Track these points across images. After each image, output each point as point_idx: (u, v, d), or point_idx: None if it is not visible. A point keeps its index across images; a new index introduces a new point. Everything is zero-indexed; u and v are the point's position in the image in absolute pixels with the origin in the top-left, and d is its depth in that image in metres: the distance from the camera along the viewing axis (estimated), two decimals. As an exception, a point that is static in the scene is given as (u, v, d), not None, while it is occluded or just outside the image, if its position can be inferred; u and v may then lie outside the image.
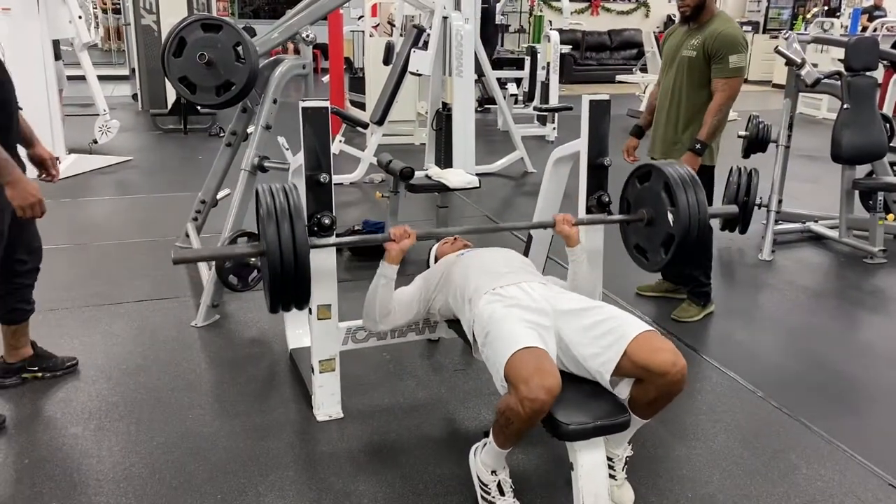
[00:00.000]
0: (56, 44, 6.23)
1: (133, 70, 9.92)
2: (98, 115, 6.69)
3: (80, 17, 6.30)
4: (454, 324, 2.55)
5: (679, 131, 3.46)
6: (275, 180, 2.32)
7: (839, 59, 5.68)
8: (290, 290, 2.15)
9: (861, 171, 4.77)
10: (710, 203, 3.53)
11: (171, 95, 8.00)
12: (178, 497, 2.22)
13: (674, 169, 2.47)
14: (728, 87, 3.29)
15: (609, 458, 2.14)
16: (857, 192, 4.77)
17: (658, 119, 3.60)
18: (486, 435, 2.15)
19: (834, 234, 4.82)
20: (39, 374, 2.85)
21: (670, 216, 2.43)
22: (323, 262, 2.48)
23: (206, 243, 4.01)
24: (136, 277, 3.96)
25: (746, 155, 4.88)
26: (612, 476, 2.16)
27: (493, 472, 2.14)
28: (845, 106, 4.39)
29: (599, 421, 1.96)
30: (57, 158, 5.76)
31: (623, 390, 2.06)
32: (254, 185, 3.61)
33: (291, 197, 2.16)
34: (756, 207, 4.54)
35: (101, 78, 7.10)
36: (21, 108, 2.55)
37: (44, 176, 2.70)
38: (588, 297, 2.47)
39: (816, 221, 5.03)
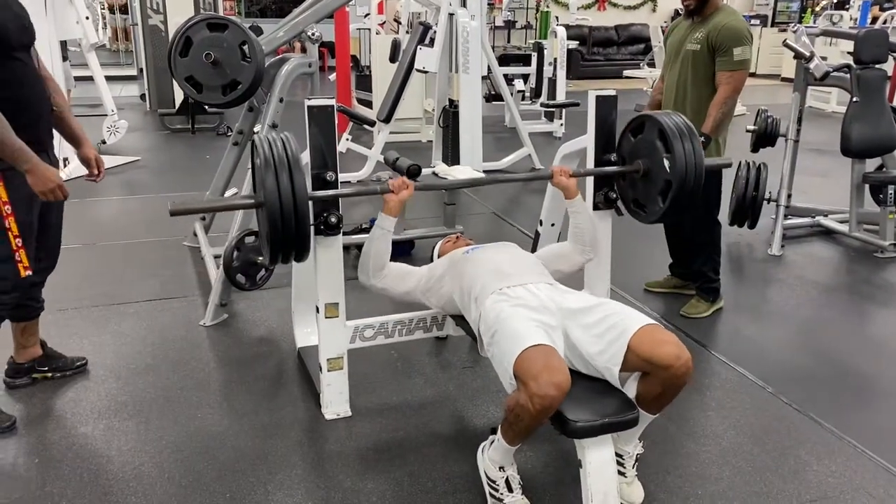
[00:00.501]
0: (63, 45, 6.25)
1: (141, 70, 9.96)
2: (106, 115, 6.73)
3: (87, 18, 6.33)
4: (461, 321, 2.55)
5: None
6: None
7: (848, 52, 5.62)
8: (291, 241, 2.14)
9: (871, 164, 4.74)
10: (719, 202, 3.53)
11: (179, 95, 8.03)
12: (188, 496, 2.23)
13: (668, 117, 2.47)
14: (732, 80, 3.27)
15: (619, 455, 2.14)
16: (867, 186, 4.74)
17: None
18: (494, 432, 2.15)
19: (844, 228, 4.79)
20: (49, 374, 2.86)
21: (666, 163, 2.42)
22: (330, 260, 2.48)
23: (214, 242, 4.02)
24: (144, 277, 3.97)
25: (755, 149, 4.86)
26: (621, 473, 2.15)
27: (502, 469, 2.14)
28: (855, 99, 4.35)
29: (608, 418, 1.95)
30: (66, 159, 5.81)
31: (632, 388, 2.05)
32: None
33: (289, 146, 2.15)
34: (765, 202, 4.53)
35: (109, 78, 7.14)
36: (54, 110, 2.60)
37: (87, 176, 2.77)
38: (592, 243, 2.53)
39: (826, 216, 5.00)
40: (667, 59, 3.58)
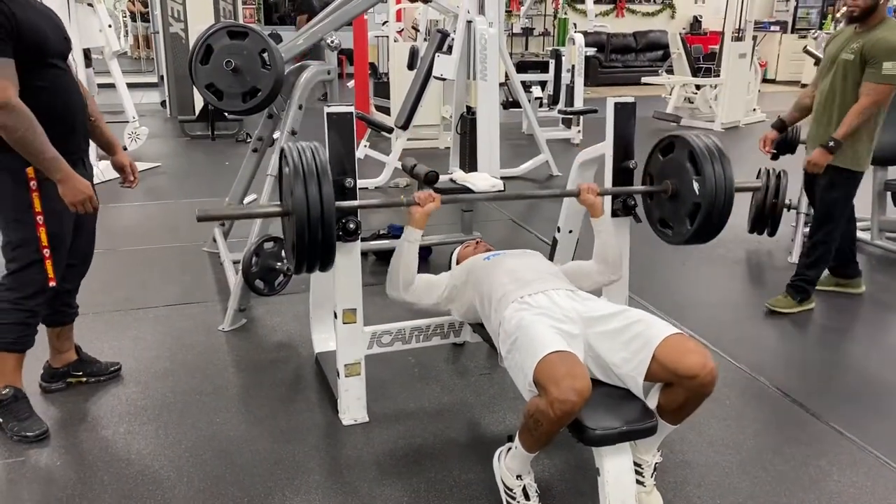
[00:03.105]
0: (87, 52, 6.34)
1: (161, 77, 10.06)
2: (127, 122, 6.79)
3: (109, 26, 6.41)
4: (479, 328, 2.55)
5: (832, 132, 3.47)
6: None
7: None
8: (317, 250, 2.14)
9: (893, 171, 4.68)
10: (844, 210, 3.61)
11: (199, 102, 8.11)
12: (206, 500, 2.24)
13: (699, 139, 2.46)
14: (875, 93, 3.31)
15: (637, 465, 2.12)
16: (889, 194, 4.68)
17: (814, 119, 3.65)
18: (511, 440, 2.14)
19: (865, 236, 4.73)
20: (84, 379, 2.89)
21: (696, 185, 2.40)
22: (348, 266, 2.49)
23: (233, 248, 4.05)
24: (164, 282, 4.01)
25: (775, 157, 4.81)
26: (640, 483, 2.14)
27: (519, 477, 2.13)
28: (876, 106, 4.30)
29: (626, 426, 1.94)
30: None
31: (653, 399, 2.04)
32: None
33: (318, 156, 2.15)
34: (785, 209, 4.49)
35: (131, 85, 7.22)
36: (93, 119, 2.66)
37: (123, 182, 2.82)
38: (615, 265, 2.50)
39: (847, 223, 4.94)
40: (822, 66, 3.64)
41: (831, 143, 3.38)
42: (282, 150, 2.21)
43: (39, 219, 2.38)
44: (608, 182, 2.71)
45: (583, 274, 2.56)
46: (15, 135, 2.22)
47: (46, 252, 2.42)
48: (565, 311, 2.16)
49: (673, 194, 2.53)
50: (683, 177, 2.47)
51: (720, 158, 2.41)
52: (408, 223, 2.43)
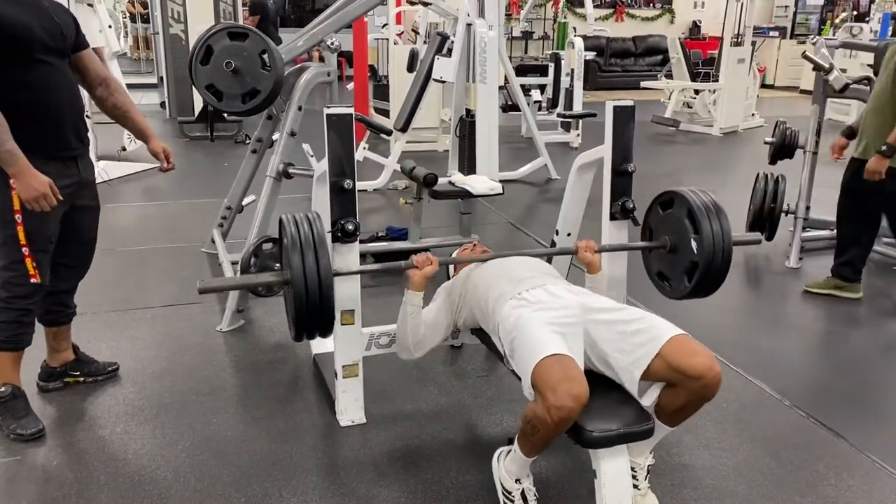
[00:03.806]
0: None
1: (161, 78, 10.05)
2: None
3: (109, 27, 6.42)
4: (477, 331, 2.55)
5: (885, 138, 3.54)
6: (299, 187, 2.33)
7: (868, 65, 5.59)
8: (315, 319, 2.16)
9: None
10: (877, 217, 3.74)
11: (199, 103, 8.10)
12: (203, 500, 2.24)
13: (697, 196, 2.46)
14: None
15: (631, 468, 2.12)
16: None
17: (866, 123, 3.74)
18: (511, 442, 2.15)
19: (864, 241, 4.74)
20: (81, 379, 2.89)
21: (694, 244, 2.41)
22: (347, 267, 2.49)
23: (232, 249, 4.05)
24: (162, 282, 4.01)
25: (773, 161, 4.84)
26: (635, 486, 2.13)
27: (517, 481, 2.13)
28: (874, 111, 4.32)
29: (623, 428, 1.94)
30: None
31: (648, 398, 2.04)
32: (278, 192, 3.64)
33: (315, 226, 2.17)
34: (783, 214, 4.50)
35: (130, 86, 7.23)
36: (122, 109, 2.70)
37: (160, 168, 2.87)
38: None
39: (845, 228, 4.95)
40: (880, 73, 3.75)
41: (884, 149, 3.47)
42: (280, 221, 2.23)
43: (18, 217, 2.36)
44: (607, 185, 2.72)
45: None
46: None
47: (25, 250, 2.40)
48: (565, 301, 2.16)
49: (671, 249, 2.54)
50: (682, 233, 2.48)
51: (717, 215, 2.41)
52: (407, 288, 2.43)
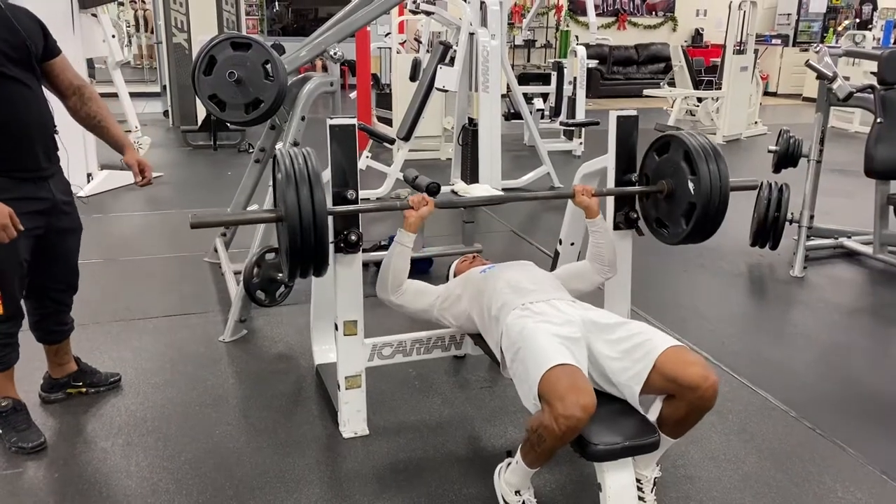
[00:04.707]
0: (89, 63, 6.35)
1: (164, 87, 10.08)
2: (130, 131, 6.80)
3: (113, 37, 6.43)
4: (480, 340, 2.54)
5: None
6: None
7: (872, 73, 5.58)
8: (310, 255, 2.14)
9: (895, 185, 4.68)
10: None
11: (202, 112, 8.12)
12: (205, 513, 2.23)
13: (694, 138, 2.46)
14: None
15: (637, 480, 2.11)
16: (891, 208, 4.68)
17: None
18: (510, 455, 2.13)
19: (868, 250, 4.73)
20: (83, 390, 2.88)
21: (691, 185, 2.41)
22: (349, 277, 2.49)
23: (235, 258, 4.05)
24: (164, 292, 4.00)
25: (777, 170, 4.82)
26: (640, 498, 2.12)
27: (518, 493, 2.11)
28: (879, 120, 4.31)
29: (628, 441, 1.93)
30: (90, 175, 5.86)
31: (653, 413, 2.03)
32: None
33: (310, 161, 2.16)
34: (787, 223, 4.49)
35: (134, 95, 7.22)
36: (97, 120, 2.59)
37: (135, 181, 2.69)
38: (611, 263, 2.51)
39: (849, 237, 4.94)
40: None
41: None
42: (274, 156, 2.21)
43: None
44: (610, 197, 2.71)
45: (578, 275, 2.58)
46: None
47: None
48: (568, 317, 2.15)
49: (669, 194, 2.54)
50: (679, 176, 2.48)
51: (715, 158, 2.41)
52: (402, 227, 2.43)
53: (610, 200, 2.71)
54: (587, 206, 2.52)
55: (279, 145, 3.74)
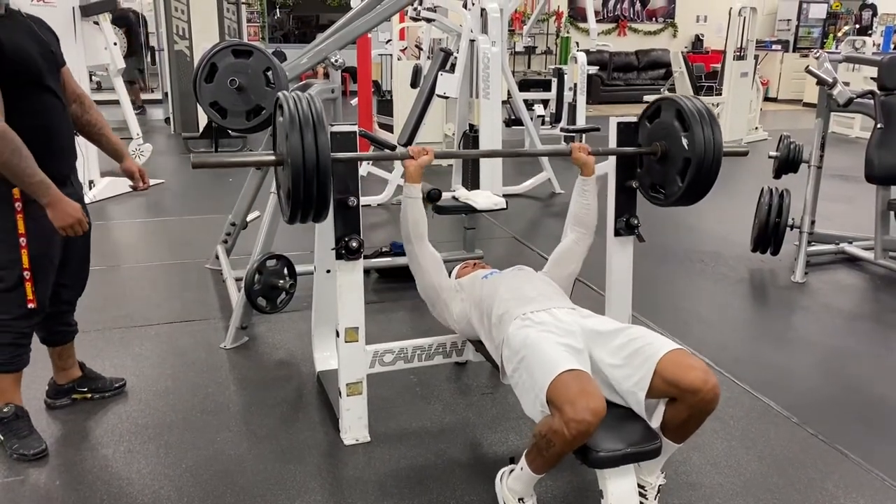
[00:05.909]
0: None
1: (166, 94, 10.11)
2: (131, 139, 6.82)
3: (115, 44, 6.45)
4: (481, 347, 2.54)
5: None
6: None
7: (872, 78, 5.59)
8: (311, 199, 2.13)
9: (896, 191, 4.69)
10: None
11: (203, 119, 8.13)
12: (206, 520, 2.22)
13: (686, 100, 2.50)
14: None
15: (641, 486, 2.10)
16: (892, 213, 4.68)
17: None
18: (513, 461, 2.12)
19: (869, 255, 4.73)
20: (88, 395, 2.88)
21: (685, 141, 2.43)
22: (351, 284, 2.49)
23: (236, 265, 4.05)
24: (166, 299, 4.00)
25: (777, 175, 4.82)
26: (643, 504, 2.12)
27: (521, 500, 2.11)
28: (879, 125, 4.31)
29: (630, 447, 1.93)
30: (91, 182, 5.87)
31: (657, 420, 2.03)
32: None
33: (314, 106, 2.14)
34: (788, 228, 4.49)
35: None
36: (97, 128, 2.67)
37: (134, 186, 2.80)
38: (590, 226, 2.58)
39: (850, 243, 4.94)
40: None
41: None
42: (277, 99, 2.18)
43: (22, 240, 2.34)
44: (611, 203, 2.71)
45: (566, 255, 2.62)
46: (1, 158, 2.18)
47: (27, 274, 2.38)
48: (569, 327, 2.15)
49: (663, 155, 2.56)
50: (672, 136, 2.51)
51: (709, 118, 2.45)
52: (405, 180, 2.46)
53: (611, 207, 2.71)
54: (584, 163, 2.57)
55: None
